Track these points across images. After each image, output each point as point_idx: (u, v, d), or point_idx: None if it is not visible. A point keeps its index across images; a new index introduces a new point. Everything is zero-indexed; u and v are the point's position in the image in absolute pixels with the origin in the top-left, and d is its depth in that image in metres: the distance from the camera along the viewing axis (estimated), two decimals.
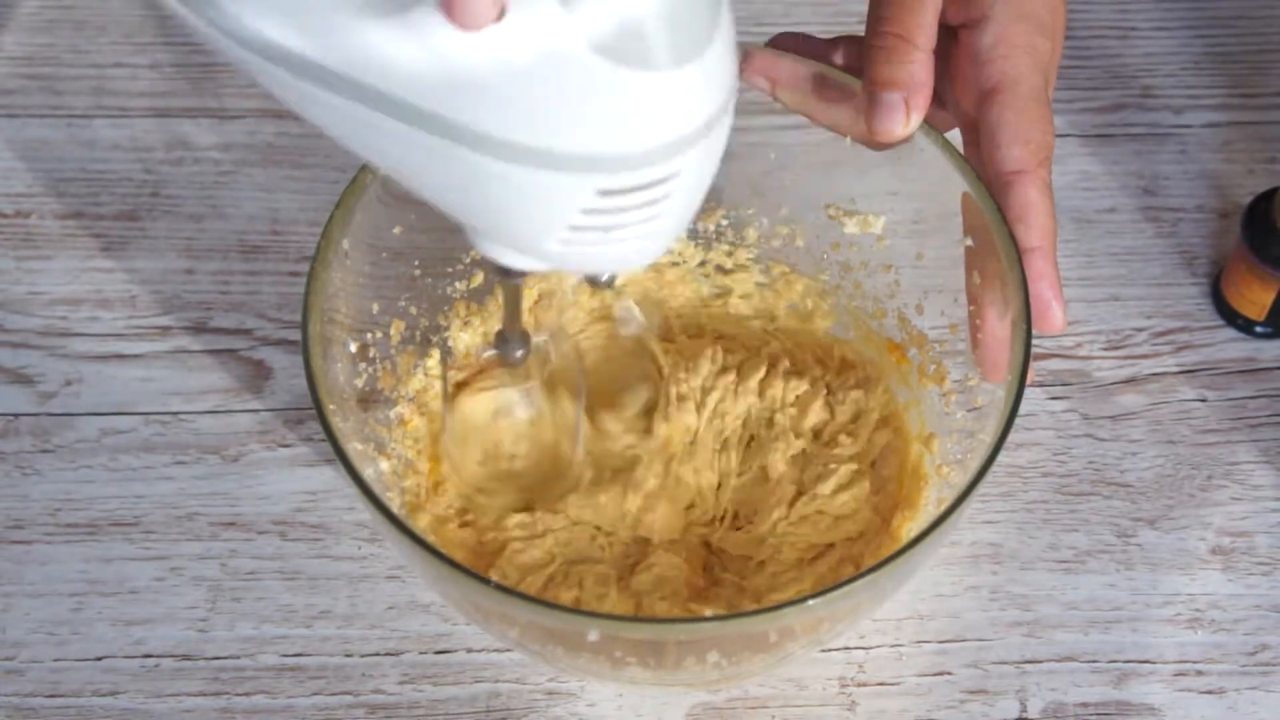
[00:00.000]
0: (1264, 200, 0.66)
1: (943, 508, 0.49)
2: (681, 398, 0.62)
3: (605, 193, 0.38)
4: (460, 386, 0.64)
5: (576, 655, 0.51)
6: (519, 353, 0.55)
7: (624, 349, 0.65)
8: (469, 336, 0.64)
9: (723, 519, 0.61)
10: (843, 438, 0.62)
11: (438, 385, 0.63)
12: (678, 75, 0.36)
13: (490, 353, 0.61)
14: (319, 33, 0.37)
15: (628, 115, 0.37)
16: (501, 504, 0.61)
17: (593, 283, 0.50)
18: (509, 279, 0.48)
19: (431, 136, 0.38)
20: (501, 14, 0.34)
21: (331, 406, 0.50)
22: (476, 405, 0.62)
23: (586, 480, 0.61)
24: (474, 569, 0.58)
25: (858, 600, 0.49)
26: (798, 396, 0.63)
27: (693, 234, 0.66)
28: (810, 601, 0.46)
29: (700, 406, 0.62)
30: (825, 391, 0.63)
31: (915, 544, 0.48)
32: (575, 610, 0.54)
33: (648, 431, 0.62)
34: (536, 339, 0.60)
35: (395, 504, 0.57)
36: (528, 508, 0.61)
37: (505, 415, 0.62)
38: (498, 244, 0.44)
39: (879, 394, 0.62)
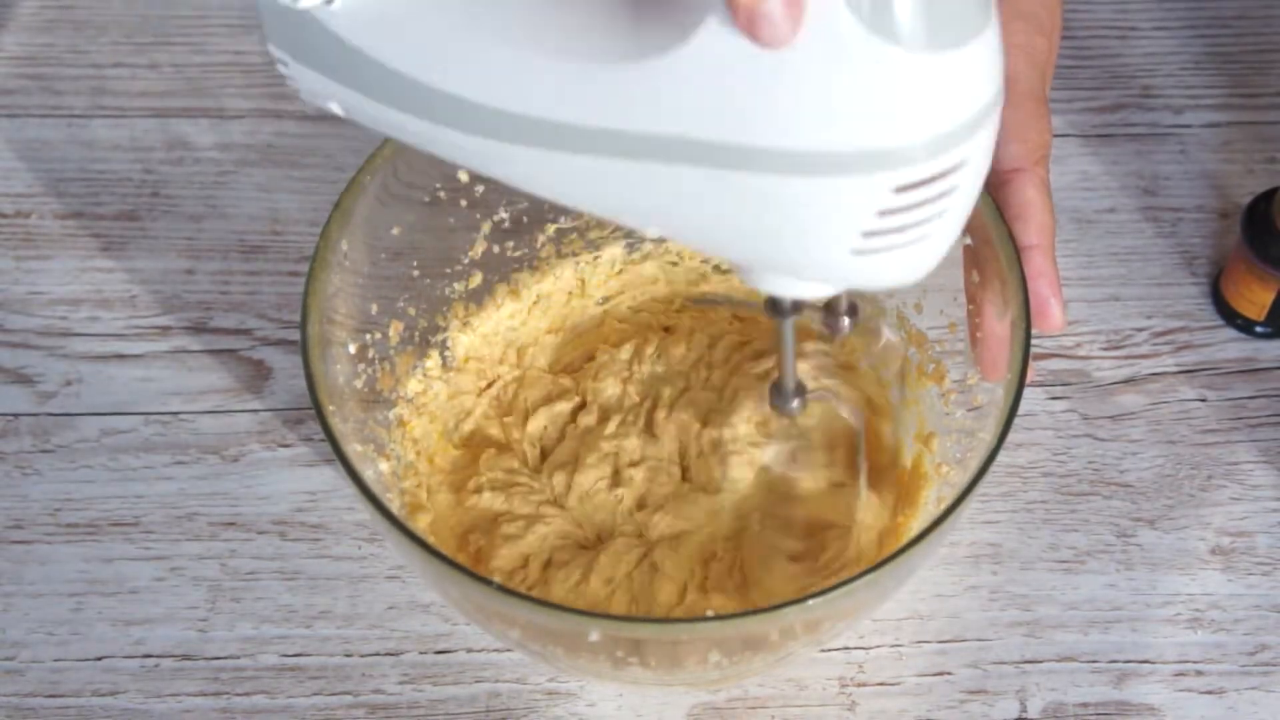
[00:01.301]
0: (1264, 200, 0.66)
1: (943, 506, 0.49)
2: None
3: (902, 188, 0.37)
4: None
5: (576, 655, 0.51)
6: (795, 404, 0.53)
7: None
8: (468, 338, 0.64)
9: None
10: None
11: (438, 386, 0.62)
12: (965, 53, 0.36)
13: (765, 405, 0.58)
14: (569, 88, 0.37)
15: (921, 99, 0.36)
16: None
17: (831, 329, 0.48)
18: (782, 316, 0.47)
19: (701, 169, 0.37)
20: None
21: (331, 408, 0.51)
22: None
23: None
24: (473, 568, 0.58)
25: (859, 599, 0.49)
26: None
27: None
28: (811, 601, 0.46)
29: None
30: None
31: (916, 542, 0.48)
32: (576, 610, 0.54)
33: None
34: (815, 391, 0.57)
35: (395, 505, 0.57)
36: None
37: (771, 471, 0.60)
38: (777, 274, 0.43)
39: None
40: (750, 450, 0.61)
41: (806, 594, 0.46)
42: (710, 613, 0.57)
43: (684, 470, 0.62)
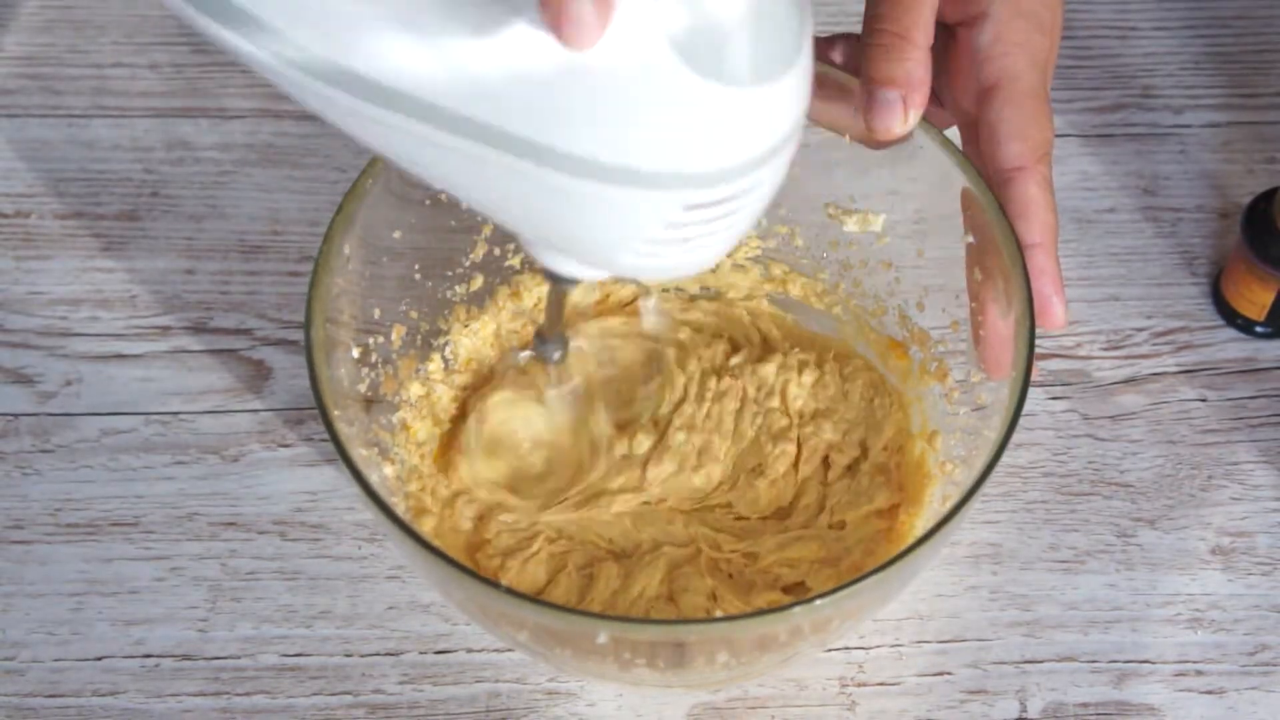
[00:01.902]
0: (1264, 200, 0.66)
1: (947, 504, 0.49)
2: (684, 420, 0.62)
3: (691, 207, 0.39)
4: (473, 390, 0.64)
5: (584, 658, 0.51)
6: (557, 354, 0.56)
7: (632, 352, 0.65)
8: (469, 341, 0.64)
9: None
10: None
11: (440, 389, 0.63)
12: (771, 89, 0.37)
13: (525, 354, 0.61)
14: (390, 54, 0.37)
15: (723, 130, 0.37)
16: (521, 508, 0.61)
17: (541, 356, 0.52)
18: (561, 284, 0.49)
19: (512, 158, 0.38)
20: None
21: (336, 412, 0.50)
22: (497, 411, 0.62)
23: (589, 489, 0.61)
24: (479, 571, 0.58)
25: (867, 598, 0.49)
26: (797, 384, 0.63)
27: None
28: (818, 601, 0.46)
29: (700, 399, 0.63)
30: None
31: (926, 539, 0.48)
32: (585, 612, 0.54)
33: (656, 441, 0.62)
34: (575, 343, 0.61)
35: (400, 509, 0.57)
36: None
37: (526, 421, 0.62)
38: (561, 255, 0.45)
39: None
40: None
41: (813, 595, 0.46)
42: (719, 613, 0.57)
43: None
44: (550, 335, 0.55)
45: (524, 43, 0.36)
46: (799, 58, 0.38)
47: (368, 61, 0.37)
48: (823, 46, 0.58)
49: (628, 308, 0.66)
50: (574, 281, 0.48)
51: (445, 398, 0.63)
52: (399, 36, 0.37)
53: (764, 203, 0.41)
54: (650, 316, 0.65)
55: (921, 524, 0.58)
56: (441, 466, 0.62)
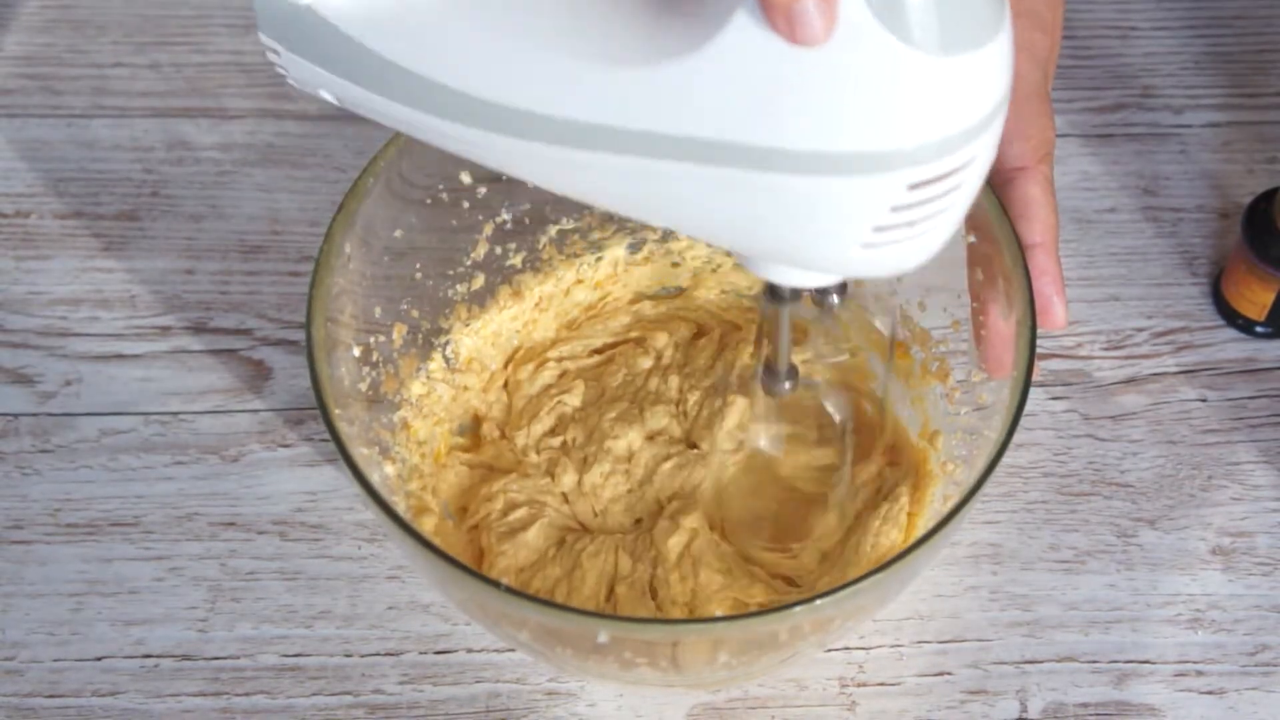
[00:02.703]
0: (1264, 200, 0.66)
1: (949, 504, 0.49)
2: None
3: (915, 185, 0.38)
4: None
5: (585, 657, 0.51)
6: (786, 385, 0.54)
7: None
8: (470, 340, 0.64)
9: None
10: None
11: (441, 388, 0.62)
12: (980, 56, 0.36)
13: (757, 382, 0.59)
14: (602, 91, 0.37)
15: (938, 101, 0.37)
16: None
17: (818, 304, 0.48)
18: (780, 304, 0.48)
19: (733, 170, 0.38)
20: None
21: (337, 411, 0.50)
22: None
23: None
24: (478, 569, 0.58)
25: (868, 598, 0.49)
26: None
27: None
28: (819, 601, 0.46)
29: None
30: None
31: (927, 539, 0.48)
32: (586, 612, 0.54)
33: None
34: (811, 379, 0.59)
35: (401, 508, 0.57)
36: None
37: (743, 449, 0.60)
38: (783, 265, 0.44)
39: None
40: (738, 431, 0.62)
41: (815, 594, 0.46)
42: (720, 614, 0.57)
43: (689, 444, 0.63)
44: (779, 364, 0.53)
45: (725, 49, 0.36)
46: (1003, 22, 0.37)
47: (561, 104, 0.37)
48: None
49: None
50: (796, 296, 0.47)
51: (446, 397, 0.63)
52: (609, 73, 0.37)
53: (980, 179, 0.40)
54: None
55: (922, 523, 0.58)
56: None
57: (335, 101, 0.43)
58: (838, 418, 0.61)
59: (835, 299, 0.50)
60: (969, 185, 0.39)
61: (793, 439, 0.61)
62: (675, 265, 0.67)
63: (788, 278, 0.45)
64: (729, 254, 0.63)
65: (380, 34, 0.40)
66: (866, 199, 0.38)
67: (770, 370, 0.53)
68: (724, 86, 0.37)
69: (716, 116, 0.37)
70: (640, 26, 0.38)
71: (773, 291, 0.47)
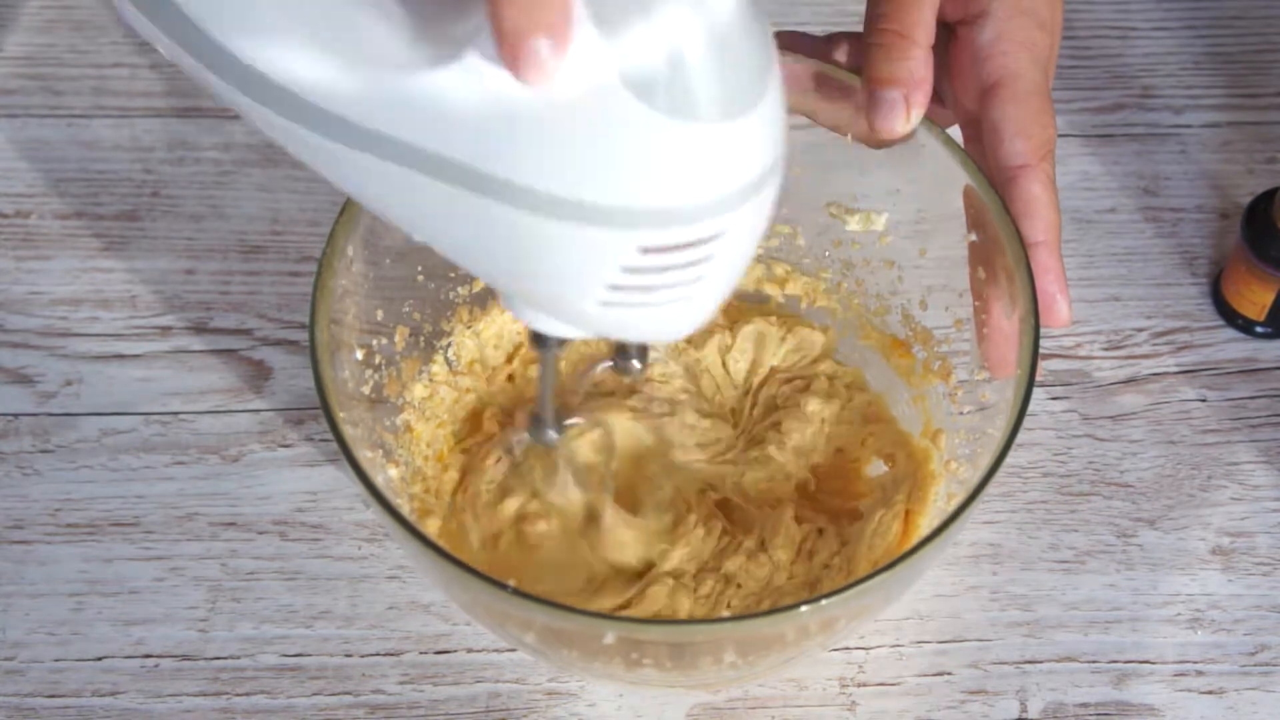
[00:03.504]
0: (1264, 200, 0.66)
1: (953, 503, 0.49)
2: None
3: (648, 250, 0.37)
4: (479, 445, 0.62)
5: (591, 658, 0.51)
6: (551, 434, 0.53)
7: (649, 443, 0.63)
8: (472, 342, 0.64)
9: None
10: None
11: (444, 390, 0.62)
12: (728, 128, 0.35)
13: (520, 438, 0.59)
14: (346, 84, 0.36)
15: (674, 167, 0.35)
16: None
17: (620, 369, 0.48)
18: (544, 350, 0.47)
19: (460, 190, 0.37)
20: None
21: (342, 414, 0.50)
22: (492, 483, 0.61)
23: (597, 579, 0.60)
24: (484, 569, 0.58)
25: (875, 597, 0.49)
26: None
27: None
28: (824, 601, 0.46)
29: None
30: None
31: (932, 539, 0.48)
32: (593, 613, 0.54)
33: (667, 544, 0.60)
34: (570, 420, 0.58)
35: (405, 510, 0.57)
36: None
37: (523, 501, 0.60)
38: (532, 308, 0.43)
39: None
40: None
41: (820, 594, 0.46)
42: (726, 612, 0.57)
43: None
44: (544, 412, 0.52)
45: (473, 72, 0.35)
46: (761, 99, 0.36)
47: (303, 81, 0.36)
48: (823, 46, 0.58)
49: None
50: (556, 344, 0.46)
51: (449, 399, 0.63)
52: (366, 73, 0.36)
53: (738, 259, 0.39)
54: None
55: (926, 522, 0.58)
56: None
57: (166, 55, 0.42)
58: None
59: (636, 364, 0.49)
60: (721, 259, 0.38)
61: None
62: None
63: (538, 323, 0.43)
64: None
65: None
66: (595, 254, 0.37)
67: (535, 418, 0.53)
68: (465, 108, 0.35)
69: (459, 137, 0.36)
70: (402, 33, 0.36)
71: (535, 336, 0.46)
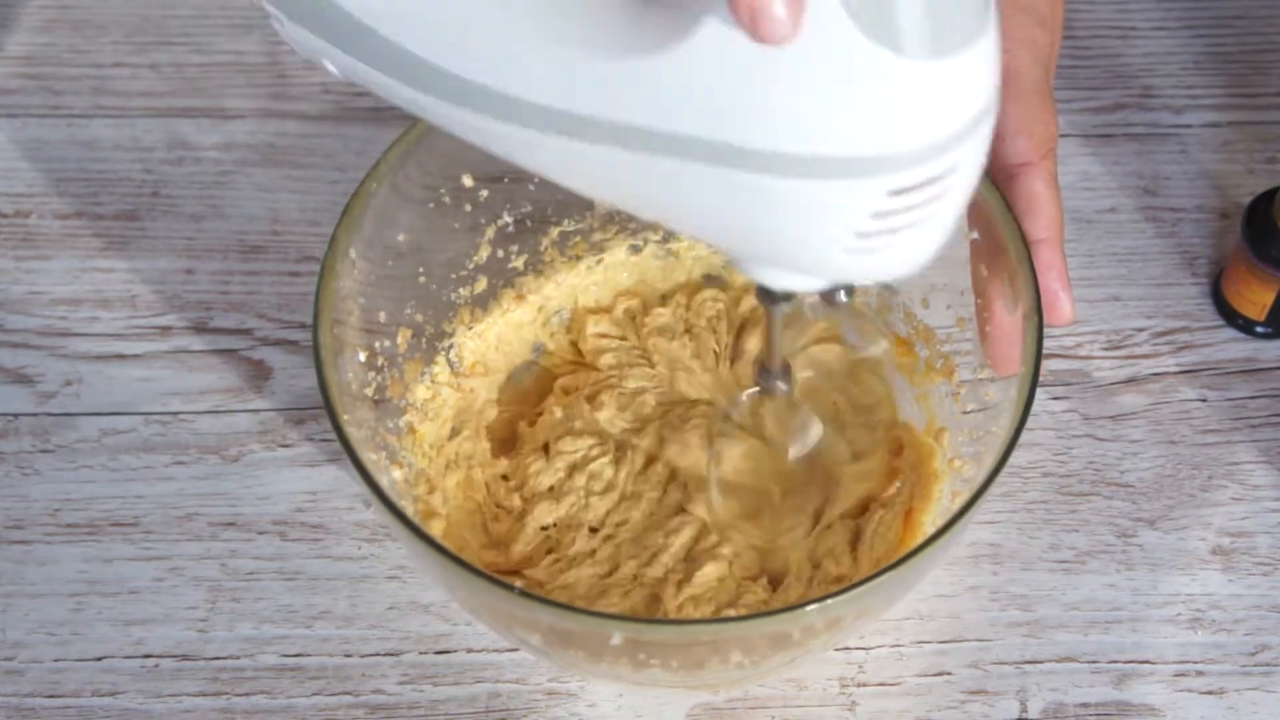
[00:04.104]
0: (1264, 200, 0.66)
1: (957, 501, 0.49)
2: None
3: (895, 192, 0.37)
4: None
5: (598, 659, 0.51)
6: (781, 385, 0.53)
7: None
8: (474, 344, 0.64)
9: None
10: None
11: (446, 392, 0.62)
12: (963, 60, 0.36)
13: (752, 391, 0.58)
14: (579, 78, 0.37)
15: (918, 107, 0.36)
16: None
17: (828, 301, 0.48)
18: (772, 304, 0.48)
19: (700, 165, 0.37)
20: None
21: (346, 417, 0.50)
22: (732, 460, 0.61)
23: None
24: (492, 571, 0.58)
25: (882, 596, 0.49)
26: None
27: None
28: (830, 600, 0.46)
29: None
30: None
31: (937, 537, 0.48)
32: (599, 614, 0.54)
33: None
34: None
35: (409, 512, 0.57)
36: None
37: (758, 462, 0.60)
38: (773, 267, 0.43)
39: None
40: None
41: (826, 594, 0.46)
42: (731, 612, 0.57)
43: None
44: (773, 365, 0.53)
45: (703, 45, 0.35)
46: (987, 26, 0.36)
47: (547, 91, 0.37)
48: None
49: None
50: (788, 297, 0.46)
51: (451, 401, 0.63)
52: (590, 63, 0.36)
53: (969, 185, 0.40)
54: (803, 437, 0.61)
55: (930, 521, 0.58)
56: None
57: (338, 73, 0.43)
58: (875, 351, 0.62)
59: (844, 296, 0.49)
60: (956, 191, 0.39)
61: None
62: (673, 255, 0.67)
63: (775, 280, 0.44)
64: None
65: (371, 7, 0.40)
66: (846, 204, 0.38)
67: (764, 369, 0.53)
68: (700, 83, 0.36)
69: (694, 112, 0.37)
70: (623, 17, 0.37)
71: (764, 291, 0.47)
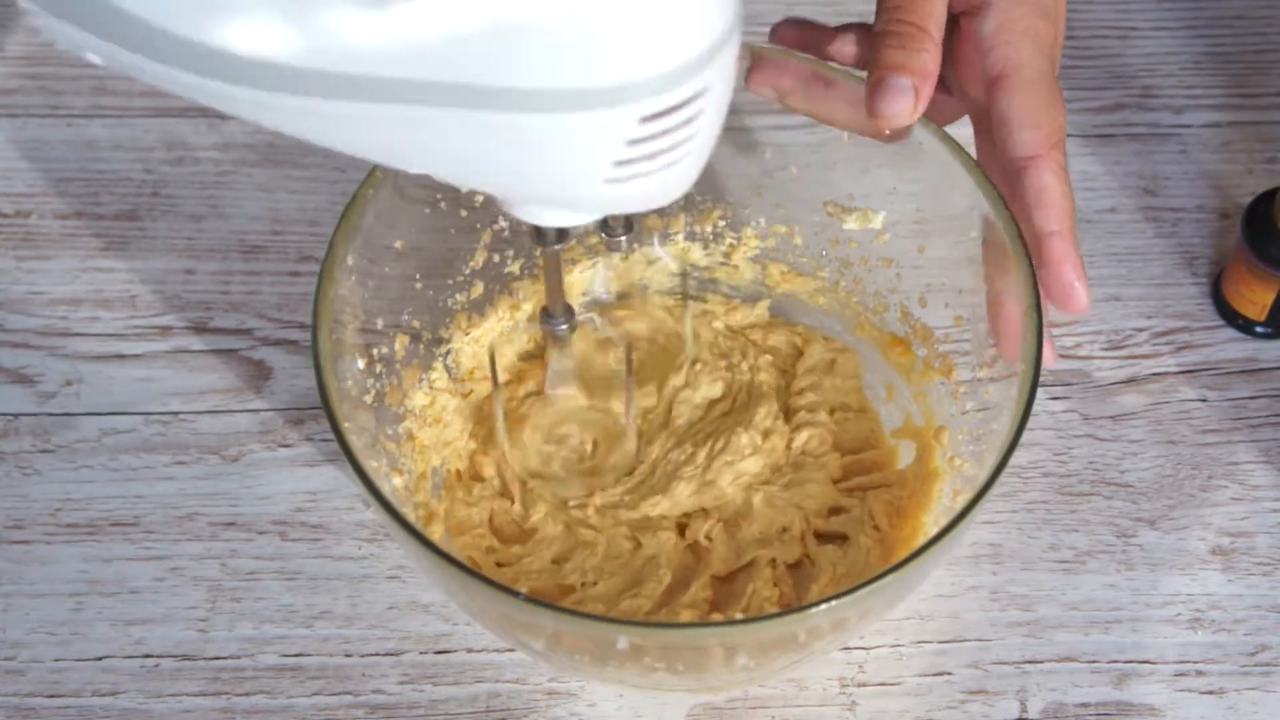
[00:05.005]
0: (1264, 200, 0.66)
1: (958, 499, 0.49)
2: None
3: (648, 118, 0.38)
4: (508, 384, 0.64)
5: (603, 664, 0.51)
6: (563, 327, 0.55)
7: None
8: (471, 349, 0.64)
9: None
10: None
11: (444, 398, 0.62)
12: None
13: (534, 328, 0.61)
14: (313, 35, 0.37)
15: (663, 31, 0.37)
16: (561, 489, 0.62)
17: (610, 245, 0.50)
18: (546, 244, 0.48)
19: (462, 110, 0.38)
20: None
21: (347, 424, 0.50)
22: (524, 394, 0.63)
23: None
24: (491, 574, 0.58)
25: (886, 596, 0.49)
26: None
27: (691, 235, 0.66)
28: (833, 602, 0.46)
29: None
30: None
31: (941, 536, 0.48)
32: (604, 618, 0.54)
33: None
34: (582, 316, 0.60)
35: (410, 518, 0.57)
36: (589, 491, 0.62)
37: (552, 399, 0.62)
38: (536, 205, 0.44)
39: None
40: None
41: (832, 594, 0.46)
42: (739, 615, 0.57)
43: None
44: (554, 307, 0.55)
45: None
46: None
47: (293, 46, 0.37)
48: (827, 36, 0.58)
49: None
50: (563, 237, 0.48)
51: (449, 407, 0.63)
52: (338, 14, 0.36)
53: (722, 108, 0.41)
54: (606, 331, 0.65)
55: (932, 520, 0.58)
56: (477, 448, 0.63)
57: (103, 65, 0.42)
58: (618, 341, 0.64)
59: (622, 233, 0.52)
60: (709, 114, 0.40)
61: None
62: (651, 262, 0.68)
63: (544, 218, 0.45)
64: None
65: None
66: (599, 135, 0.38)
67: (545, 313, 0.55)
68: (450, 28, 0.36)
69: (446, 58, 0.37)
70: None
71: (537, 232, 0.47)
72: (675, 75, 0.38)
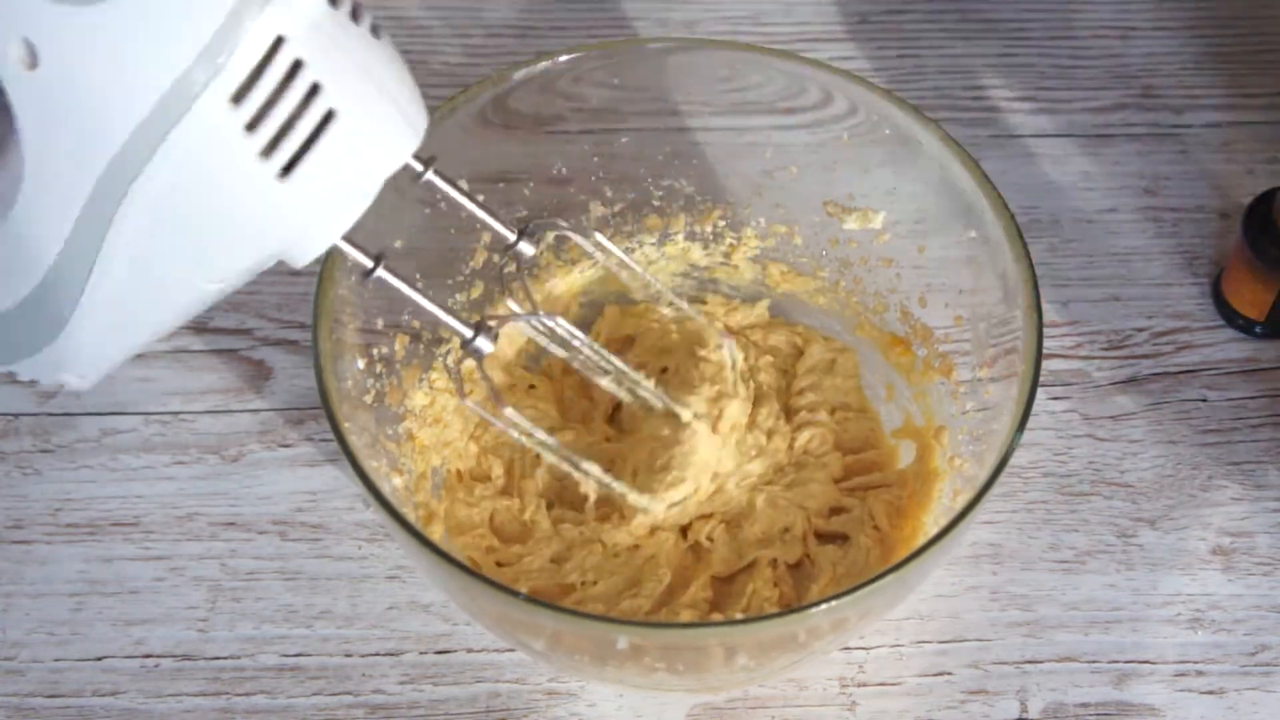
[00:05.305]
0: (1264, 200, 0.66)
1: (958, 499, 0.49)
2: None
3: (235, 96, 0.38)
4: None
5: (603, 664, 0.51)
6: (483, 342, 0.53)
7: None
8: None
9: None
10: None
11: (444, 398, 0.62)
12: None
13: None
14: None
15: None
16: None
17: (516, 257, 0.50)
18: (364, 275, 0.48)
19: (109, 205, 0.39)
20: None
21: (347, 424, 0.50)
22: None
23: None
24: (492, 574, 0.58)
25: (886, 596, 0.49)
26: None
27: (691, 235, 0.66)
28: (833, 602, 0.46)
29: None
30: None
31: (942, 536, 0.48)
32: (604, 618, 0.54)
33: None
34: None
35: (410, 518, 0.57)
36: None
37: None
38: (273, 252, 0.46)
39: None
40: None
41: (832, 594, 0.46)
42: (740, 615, 0.57)
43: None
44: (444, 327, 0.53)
45: None
46: None
47: None
48: None
49: None
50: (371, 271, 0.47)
51: (449, 407, 0.63)
52: None
53: (358, 86, 0.40)
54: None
55: (932, 520, 0.58)
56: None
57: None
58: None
59: (526, 249, 0.51)
60: (334, 77, 0.39)
61: None
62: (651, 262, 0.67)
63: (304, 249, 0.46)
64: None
65: None
66: (210, 137, 0.38)
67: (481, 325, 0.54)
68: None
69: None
70: None
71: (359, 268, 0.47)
72: (230, 33, 0.37)
